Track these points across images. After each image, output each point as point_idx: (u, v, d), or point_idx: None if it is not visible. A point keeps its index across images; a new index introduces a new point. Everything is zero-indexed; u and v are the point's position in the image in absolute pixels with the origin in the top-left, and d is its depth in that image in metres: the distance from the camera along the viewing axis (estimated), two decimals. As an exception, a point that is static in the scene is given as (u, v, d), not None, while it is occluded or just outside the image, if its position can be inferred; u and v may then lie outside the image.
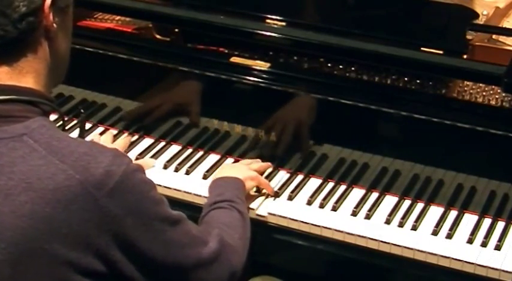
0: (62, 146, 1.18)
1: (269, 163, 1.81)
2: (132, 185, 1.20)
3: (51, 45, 1.25)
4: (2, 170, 1.16)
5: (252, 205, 1.70)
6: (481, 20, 1.90)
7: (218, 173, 1.71)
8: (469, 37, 1.82)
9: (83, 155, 1.17)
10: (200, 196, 1.74)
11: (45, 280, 1.16)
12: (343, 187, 1.77)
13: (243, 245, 1.45)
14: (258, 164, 1.79)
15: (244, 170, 1.71)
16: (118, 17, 2.08)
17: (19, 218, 1.15)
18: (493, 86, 1.77)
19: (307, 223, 1.67)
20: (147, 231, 1.23)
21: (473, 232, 1.64)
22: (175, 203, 1.71)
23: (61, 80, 1.33)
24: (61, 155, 1.17)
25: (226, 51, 1.91)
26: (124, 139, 1.91)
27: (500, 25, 1.93)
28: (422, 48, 1.79)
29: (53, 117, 1.28)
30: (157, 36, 2.01)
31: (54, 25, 1.23)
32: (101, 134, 1.94)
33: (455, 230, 1.65)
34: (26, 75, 1.23)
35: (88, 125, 1.97)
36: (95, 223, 1.17)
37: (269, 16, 1.90)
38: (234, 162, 1.85)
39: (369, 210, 1.69)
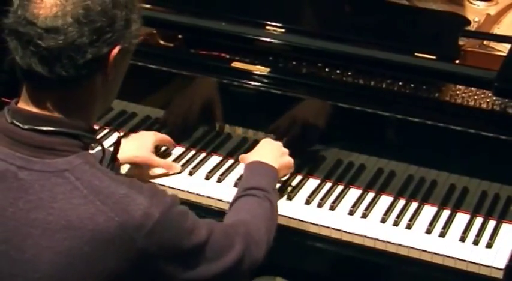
0: (103, 187, 1.17)
1: None
2: (170, 223, 1.20)
3: (105, 85, 1.23)
4: (42, 204, 1.16)
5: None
6: (472, 27, 1.92)
7: (258, 152, 1.68)
8: (461, 43, 1.83)
9: (123, 196, 1.17)
10: (203, 195, 1.76)
11: None
12: (340, 187, 1.78)
13: (267, 238, 1.44)
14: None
15: (282, 155, 1.69)
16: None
17: (56, 254, 1.15)
18: (484, 90, 1.77)
19: (306, 222, 1.69)
20: (181, 263, 1.24)
21: (466, 231, 1.65)
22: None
23: (108, 107, 1.32)
24: (102, 195, 1.16)
25: (227, 56, 1.91)
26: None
27: (491, 32, 1.94)
28: (416, 54, 1.79)
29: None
30: (162, 42, 2.01)
31: (113, 70, 1.21)
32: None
33: (448, 228, 1.66)
34: (74, 108, 1.21)
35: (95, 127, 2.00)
36: (130, 261, 1.18)
37: (269, 23, 1.90)
38: (235, 163, 1.85)
39: (365, 209, 1.71)
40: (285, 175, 1.73)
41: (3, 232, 1.18)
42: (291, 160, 1.72)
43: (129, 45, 1.22)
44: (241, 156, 1.77)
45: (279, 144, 1.74)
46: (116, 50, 1.19)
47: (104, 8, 1.17)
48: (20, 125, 1.19)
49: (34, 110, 1.20)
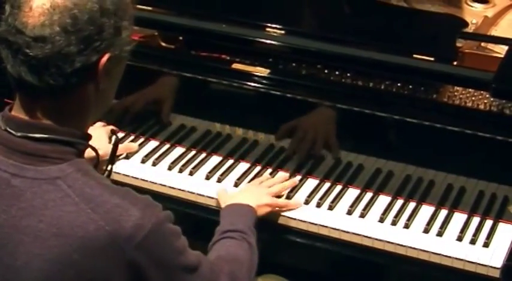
0: (94, 195, 1.16)
1: (294, 181, 1.79)
2: (160, 237, 1.20)
3: (97, 93, 1.21)
4: (34, 211, 1.16)
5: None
6: (470, 29, 1.93)
7: (236, 196, 1.68)
8: (459, 45, 1.83)
9: (115, 206, 1.16)
10: (203, 195, 1.77)
11: None
12: (339, 187, 1.79)
13: (248, 277, 1.44)
14: (278, 186, 1.75)
15: (261, 195, 1.67)
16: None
17: (46, 261, 1.15)
18: (482, 91, 1.78)
19: (305, 222, 1.70)
20: (168, 279, 1.23)
21: (463, 230, 1.66)
22: (180, 202, 1.77)
23: (102, 114, 1.29)
24: (94, 204, 1.16)
25: (228, 58, 1.92)
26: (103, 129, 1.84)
27: (488, 33, 1.95)
28: (414, 55, 1.80)
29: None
30: (163, 44, 2.02)
31: (105, 77, 1.19)
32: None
33: (445, 228, 1.67)
34: (66, 116, 1.20)
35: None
36: (119, 271, 1.18)
37: (269, 25, 1.91)
38: (235, 163, 1.86)
39: (364, 209, 1.72)
40: (266, 213, 1.69)
41: None
42: (273, 199, 1.70)
43: (120, 53, 1.21)
44: (219, 196, 1.74)
45: (262, 185, 1.74)
46: (105, 58, 1.18)
47: (92, 16, 1.15)
48: (13, 132, 1.19)
49: (27, 117, 1.20)
